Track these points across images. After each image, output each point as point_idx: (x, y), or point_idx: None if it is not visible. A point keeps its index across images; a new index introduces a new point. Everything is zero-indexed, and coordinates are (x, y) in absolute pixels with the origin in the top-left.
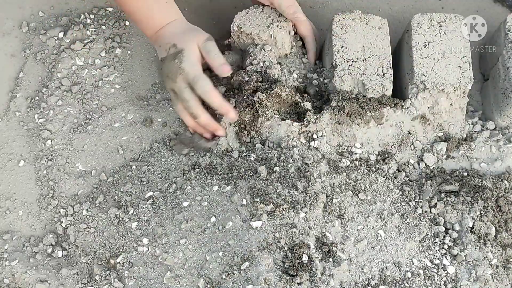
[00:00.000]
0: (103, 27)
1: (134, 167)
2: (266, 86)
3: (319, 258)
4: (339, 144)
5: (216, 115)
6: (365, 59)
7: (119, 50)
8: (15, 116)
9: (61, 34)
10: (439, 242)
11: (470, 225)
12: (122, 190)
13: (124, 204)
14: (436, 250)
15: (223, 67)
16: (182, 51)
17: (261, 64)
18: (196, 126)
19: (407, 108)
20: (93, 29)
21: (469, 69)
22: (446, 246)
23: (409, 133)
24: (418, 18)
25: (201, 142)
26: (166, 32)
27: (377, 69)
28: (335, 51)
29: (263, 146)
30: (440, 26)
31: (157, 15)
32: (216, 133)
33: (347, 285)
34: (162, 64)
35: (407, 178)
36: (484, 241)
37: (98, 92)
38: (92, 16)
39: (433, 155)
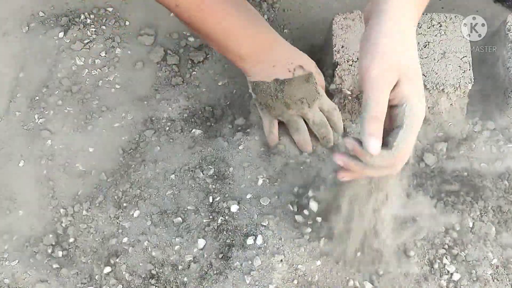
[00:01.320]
0: (103, 27)
1: (134, 167)
2: None
3: None
4: None
5: None
6: None
7: (119, 50)
8: (15, 116)
9: (61, 34)
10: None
11: (470, 225)
12: (122, 190)
13: (124, 204)
14: (436, 250)
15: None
16: (312, 75)
17: None
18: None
19: None
20: (93, 29)
21: (469, 69)
22: (446, 246)
23: None
24: None
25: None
26: (278, 50)
27: None
28: (335, 51)
29: None
30: (440, 26)
31: (257, 28)
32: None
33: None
34: (283, 85)
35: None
36: (484, 241)
37: (98, 92)
38: (92, 16)
39: (433, 155)
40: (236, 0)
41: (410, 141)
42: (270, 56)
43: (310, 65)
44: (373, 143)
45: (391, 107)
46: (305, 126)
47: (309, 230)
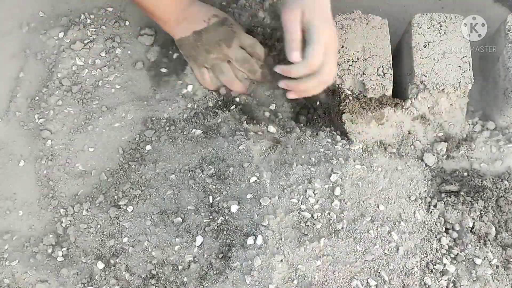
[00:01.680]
0: (103, 27)
1: (134, 167)
2: None
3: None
4: None
5: None
6: (365, 59)
7: (119, 50)
8: (15, 116)
9: (61, 34)
10: (439, 242)
11: (470, 225)
12: (122, 190)
13: (124, 204)
14: (436, 250)
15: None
16: (227, 19)
17: None
18: (244, 88)
19: (407, 108)
20: (93, 29)
21: (469, 69)
22: (446, 246)
23: (409, 133)
24: (418, 18)
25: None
26: (196, 10)
27: (377, 69)
28: None
29: None
30: (440, 26)
31: None
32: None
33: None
34: (200, 35)
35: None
36: (484, 241)
37: (98, 92)
38: (92, 16)
39: (433, 155)
40: None
41: (318, 52)
42: (188, 15)
43: (225, 14)
44: (294, 54)
45: (304, 32)
46: (229, 67)
47: None
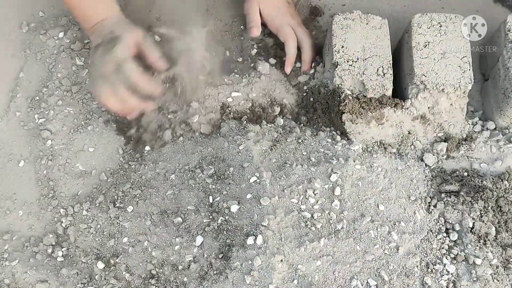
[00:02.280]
0: None
1: (134, 167)
2: None
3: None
4: None
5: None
6: (365, 59)
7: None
8: (15, 116)
9: (61, 34)
10: (439, 242)
11: (470, 225)
12: (122, 190)
13: (124, 204)
14: (436, 250)
15: (160, 61)
16: (118, 37)
17: None
18: (123, 109)
19: (407, 108)
20: None
21: (469, 69)
22: (446, 246)
23: (409, 133)
24: (418, 18)
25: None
26: (106, 23)
27: (377, 69)
28: (335, 51)
29: None
30: (440, 26)
31: (98, 7)
32: (146, 109)
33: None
34: (94, 51)
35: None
36: (484, 241)
37: None
38: None
39: (433, 155)
40: None
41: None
42: (98, 30)
43: (125, 30)
44: (255, 30)
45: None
46: (119, 79)
47: None
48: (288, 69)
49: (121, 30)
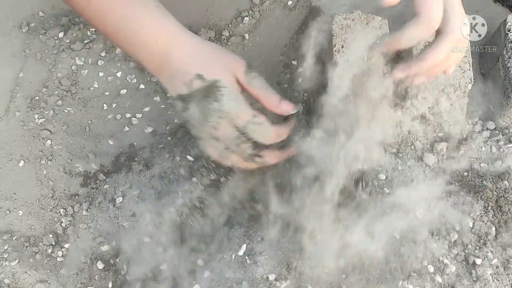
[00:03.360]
0: None
1: (134, 167)
2: None
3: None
4: None
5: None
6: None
7: (119, 50)
8: (15, 116)
9: (61, 34)
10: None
11: (470, 225)
12: (122, 190)
13: (124, 204)
14: (436, 250)
15: (283, 105)
16: (216, 85)
17: None
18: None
19: (407, 108)
20: (93, 29)
21: (469, 69)
22: (446, 246)
23: (409, 133)
24: None
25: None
26: (178, 60)
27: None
28: (335, 51)
29: None
30: None
31: (157, 35)
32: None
33: None
34: (185, 102)
35: None
36: (484, 241)
37: (98, 92)
38: None
39: (433, 155)
40: None
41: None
42: (168, 65)
43: (217, 69)
44: None
45: None
46: (247, 143)
47: None
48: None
49: (211, 70)
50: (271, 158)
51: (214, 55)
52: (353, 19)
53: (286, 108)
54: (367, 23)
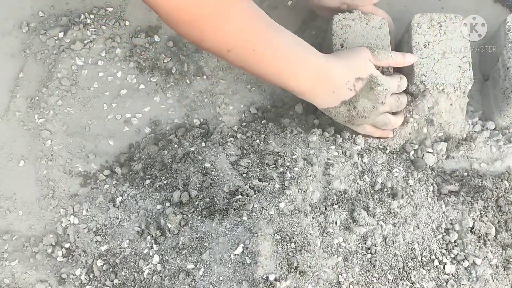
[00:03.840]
0: (103, 27)
1: (134, 167)
2: None
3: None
4: None
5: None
6: None
7: (119, 50)
8: (15, 116)
9: (61, 34)
10: (439, 242)
11: (470, 225)
12: (121, 190)
13: (123, 204)
14: (436, 250)
15: (408, 58)
16: (372, 77)
17: None
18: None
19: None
20: (93, 29)
21: (469, 69)
22: (446, 246)
23: (409, 133)
24: (418, 18)
25: None
26: (333, 74)
27: (378, 69)
28: (335, 51)
29: None
30: (440, 26)
31: (308, 62)
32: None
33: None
34: (352, 104)
35: None
36: (484, 241)
37: (98, 92)
38: (92, 16)
39: (433, 155)
40: (284, 36)
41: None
42: (326, 86)
43: (364, 67)
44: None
45: None
46: (389, 117)
47: None
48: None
49: (361, 70)
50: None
51: (350, 57)
52: (353, 19)
53: (410, 59)
54: (367, 23)
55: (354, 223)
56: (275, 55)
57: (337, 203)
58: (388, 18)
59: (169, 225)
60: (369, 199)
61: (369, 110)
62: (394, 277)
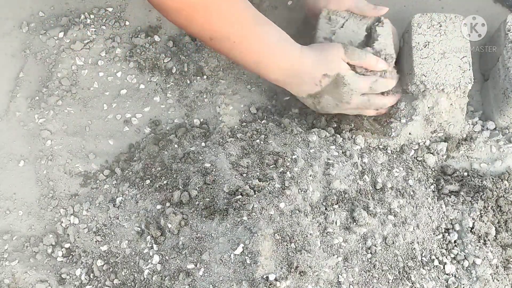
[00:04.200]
0: (103, 27)
1: (134, 167)
2: None
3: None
4: None
5: None
6: None
7: (119, 50)
8: (15, 116)
9: (61, 34)
10: (439, 242)
11: (470, 225)
12: (121, 190)
13: (123, 204)
14: (436, 250)
15: (380, 64)
16: (339, 76)
17: None
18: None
19: None
20: (93, 29)
21: (469, 69)
22: (446, 246)
23: (409, 133)
24: (418, 18)
25: None
26: (303, 67)
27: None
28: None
29: None
30: (440, 26)
31: (282, 54)
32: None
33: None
34: (316, 98)
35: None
36: (484, 241)
37: (98, 92)
38: (92, 16)
39: (433, 155)
40: (266, 31)
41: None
42: (296, 78)
43: (333, 64)
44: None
45: None
46: (371, 101)
47: None
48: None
49: (330, 67)
50: (392, 101)
51: (323, 53)
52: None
53: (381, 65)
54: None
55: (354, 223)
56: (253, 48)
57: (337, 203)
58: (393, 29)
59: (169, 225)
60: (369, 199)
61: (332, 107)
62: (394, 277)
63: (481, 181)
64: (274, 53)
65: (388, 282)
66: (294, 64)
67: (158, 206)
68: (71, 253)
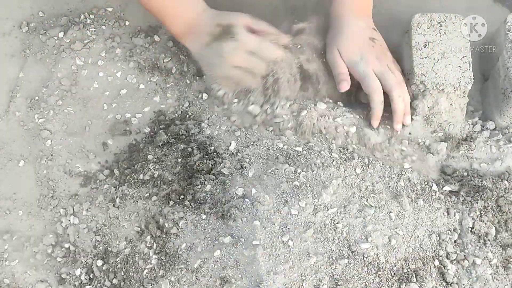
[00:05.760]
0: (103, 27)
1: (134, 167)
2: None
3: None
4: None
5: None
6: None
7: (119, 50)
8: (15, 116)
9: (61, 34)
10: (439, 242)
11: (470, 225)
12: (121, 190)
13: (123, 204)
14: (436, 250)
15: (281, 35)
16: (231, 26)
17: None
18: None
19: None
20: (93, 29)
21: (469, 69)
22: (446, 246)
23: (409, 133)
24: (418, 18)
25: None
26: (202, 20)
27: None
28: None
29: None
30: (440, 26)
31: (187, 6)
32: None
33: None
34: (206, 51)
35: None
36: (484, 241)
37: (98, 92)
38: (92, 16)
39: (433, 155)
40: None
41: (372, 81)
42: (194, 31)
43: (230, 17)
44: (344, 84)
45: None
46: (259, 59)
47: None
48: (375, 123)
49: (227, 19)
50: (280, 55)
51: (228, 14)
52: None
53: (284, 37)
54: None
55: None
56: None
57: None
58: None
59: (169, 225)
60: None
61: (218, 65)
62: (394, 277)
63: (481, 181)
64: (179, 6)
65: (388, 282)
66: (196, 18)
67: (158, 206)
68: (71, 253)
